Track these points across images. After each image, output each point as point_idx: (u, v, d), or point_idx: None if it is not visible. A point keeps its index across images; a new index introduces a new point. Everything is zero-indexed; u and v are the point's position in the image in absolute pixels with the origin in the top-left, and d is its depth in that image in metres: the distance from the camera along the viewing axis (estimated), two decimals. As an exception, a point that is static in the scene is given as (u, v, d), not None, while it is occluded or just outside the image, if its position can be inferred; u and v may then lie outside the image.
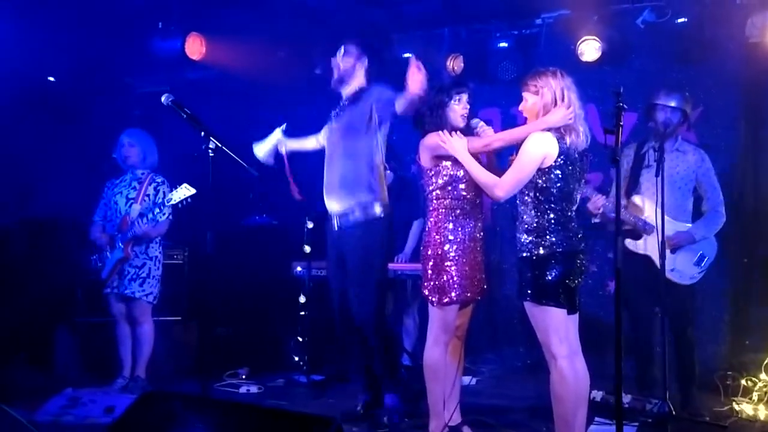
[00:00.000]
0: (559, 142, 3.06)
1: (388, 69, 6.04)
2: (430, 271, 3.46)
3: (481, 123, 3.53)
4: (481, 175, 3.26)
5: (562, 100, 3.09)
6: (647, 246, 4.12)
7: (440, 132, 3.39)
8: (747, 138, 5.17)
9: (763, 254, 5.02)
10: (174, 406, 1.99)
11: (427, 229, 3.53)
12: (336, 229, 3.78)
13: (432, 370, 3.46)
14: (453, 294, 3.40)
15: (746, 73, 5.12)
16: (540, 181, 3.08)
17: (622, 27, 5.29)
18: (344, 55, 3.78)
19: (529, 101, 3.18)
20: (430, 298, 3.46)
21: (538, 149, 3.05)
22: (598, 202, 4.08)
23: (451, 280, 3.40)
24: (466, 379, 4.97)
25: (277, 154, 4.04)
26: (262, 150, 4.01)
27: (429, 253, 3.47)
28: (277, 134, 4.04)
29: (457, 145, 3.33)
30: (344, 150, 3.71)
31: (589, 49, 5.25)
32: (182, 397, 2.10)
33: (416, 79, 3.38)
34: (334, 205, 3.77)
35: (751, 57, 4.96)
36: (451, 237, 3.43)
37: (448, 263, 3.42)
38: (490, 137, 3.40)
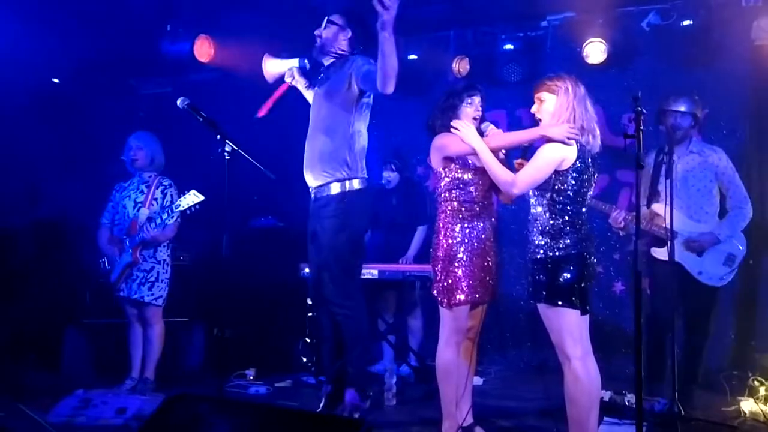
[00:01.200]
0: (577, 145, 3.08)
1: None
2: (439, 272, 3.47)
3: (491, 126, 3.54)
4: (497, 169, 3.22)
5: (575, 105, 3.12)
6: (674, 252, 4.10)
7: (455, 121, 3.39)
8: (752, 140, 5.19)
9: (768, 255, 5.06)
10: (200, 409, 2.00)
11: (436, 230, 3.54)
12: (313, 203, 3.72)
13: (444, 371, 3.47)
14: (462, 295, 3.41)
15: (752, 76, 5.14)
16: (557, 184, 3.09)
17: (627, 29, 5.32)
18: (327, 25, 3.70)
19: (547, 101, 3.17)
20: (439, 299, 3.47)
21: (558, 151, 3.07)
22: (619, 217, 4.11)
23: (459, 282, 3.41)
24: (474, 380, 5.00)
25: (281, 80, 3.95)
26: (273, 67, 3.88)
27: (438, 254, 3.48)
28: (294, 62, 3.94)
29: (471, 133, 3.32)
30: (323, 122, 3.66)
31: (595, 52, 5.28)
32: (208, 399, 2.11)
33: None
34: (311, 179, 3.71)
35: (756, 60, 5.00)
36: (459, 238, 3.44)
37: (457, 264, 3.42)
38: (487, 138, 3.38)
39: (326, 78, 3.73)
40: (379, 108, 6.46)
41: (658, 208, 4.17)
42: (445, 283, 3.43)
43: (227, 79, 6.04)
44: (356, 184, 3.60)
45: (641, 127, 2.77)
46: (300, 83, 3.98)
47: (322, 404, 3.85)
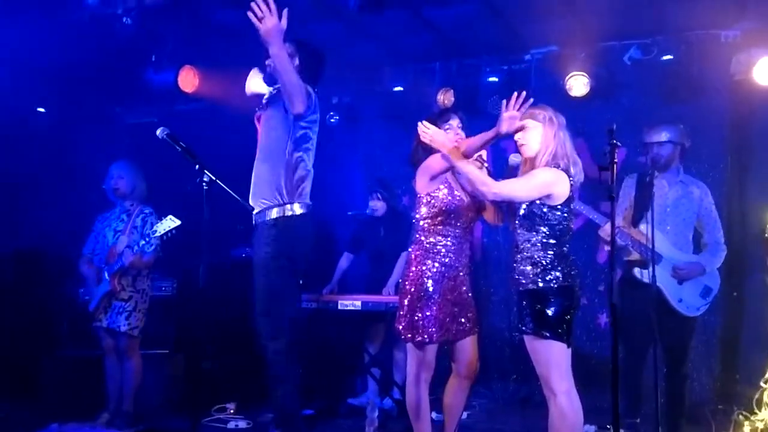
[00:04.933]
0: (570, 179, 3.08)
1: (379, 100, 6.15)
2: (405, 307, 3.30)
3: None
4: (472, 170, 3.11)
5: (561, 134, 3.15)
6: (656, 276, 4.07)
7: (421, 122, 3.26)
8: (732, 174, 5.23)
9: (751, 288, 5.05)
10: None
11: (408, 261, 3.41)
12: (253, 230, 3.63)
13: (415, 410, 3.34)
14: (428, 336, 3.25)
15: (731, 110, 5.21)
16: (551, 219, 3.08)
17: (609, 63, 5.39)
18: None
19: (532, 128, 3.17)
20: (404, 334, 3.31)
21: (551, 177, 3.06)
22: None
23: (427, 319, 3.24)
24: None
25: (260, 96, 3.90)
26: (255, 85, 3.86)
27: (407, 287, 3.33)
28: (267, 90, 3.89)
29: (438, 133, 3.23)
30: (263, 149, 3.63)
31: (578, 85, 5.33)
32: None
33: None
34: (253, 205, 3.65)
35: (736, 94, 5.06)
36: (430, 273, 3.29)
37: (425, 301, 3.26)
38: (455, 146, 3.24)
39: (267, 105, 3.69)
40: (365, 138, 6.58)
41: (645, 229, 4.17)
42: (412, 320, 3.27)
43: (213, 109, 6.05)
44: (296, 209, 3.50)
45: (615, 160, 2.77)
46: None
47: None
